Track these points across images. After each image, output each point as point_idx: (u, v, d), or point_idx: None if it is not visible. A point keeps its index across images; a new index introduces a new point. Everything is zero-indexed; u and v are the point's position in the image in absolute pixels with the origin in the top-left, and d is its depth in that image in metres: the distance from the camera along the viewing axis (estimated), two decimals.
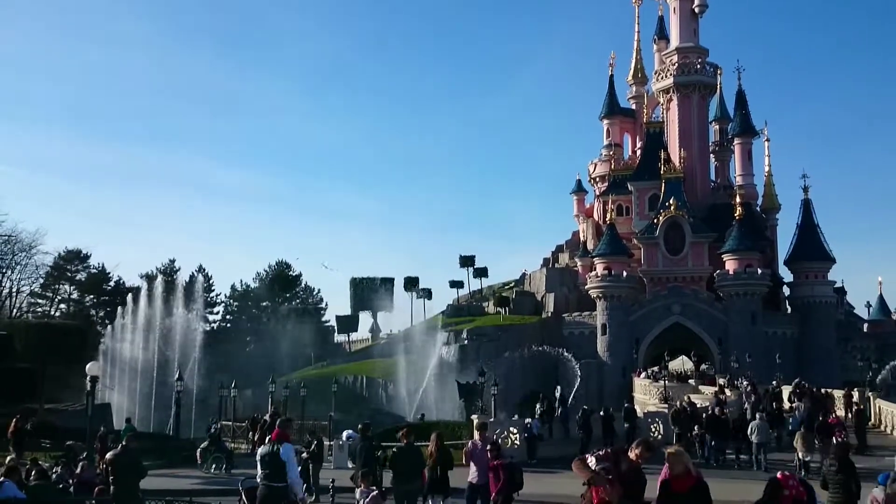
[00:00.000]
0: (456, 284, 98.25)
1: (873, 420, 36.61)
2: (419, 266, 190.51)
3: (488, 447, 13.98)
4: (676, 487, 8.22)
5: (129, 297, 69.82)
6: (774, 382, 46.09)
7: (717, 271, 70.07)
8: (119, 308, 68.25)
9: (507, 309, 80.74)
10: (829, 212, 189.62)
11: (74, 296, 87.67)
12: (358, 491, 13.72)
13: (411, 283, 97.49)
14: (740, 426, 28.00)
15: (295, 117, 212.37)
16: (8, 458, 16.57)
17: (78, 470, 18.02)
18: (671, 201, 72.04)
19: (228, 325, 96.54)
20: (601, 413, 32.32)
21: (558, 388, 45.91)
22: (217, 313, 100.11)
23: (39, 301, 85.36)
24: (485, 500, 14.09)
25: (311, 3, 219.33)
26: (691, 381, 54.20)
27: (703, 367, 59.88)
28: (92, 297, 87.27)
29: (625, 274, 71.20)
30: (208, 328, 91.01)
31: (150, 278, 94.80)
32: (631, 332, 69.84)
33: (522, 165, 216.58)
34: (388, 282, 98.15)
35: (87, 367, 24.31)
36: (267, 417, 31.98)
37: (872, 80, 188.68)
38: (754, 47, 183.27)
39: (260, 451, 12.24)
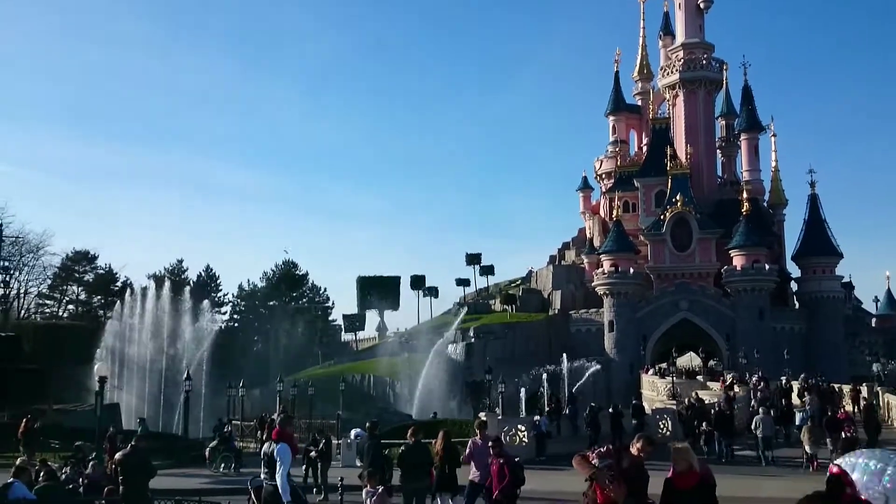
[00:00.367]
0: (462, 282, 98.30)
1: (884, 415, 36.50)
2: (425, 264, 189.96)
3: (490, 444, 13.90)
4: (680, 485, 8.03)
5: (128, 292, 69.93)
6: (784, 378, 46.02)
7: (725, 267, 69.95)
8: (119, 304, 68.23)
9: (513, 306, 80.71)
10: (836, 207, 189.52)
11: (82, 297, 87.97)
12: (364, 490, 13.73)
13: (418, 282, 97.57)
14: (748, 422, 28.00)
15: (298, 117, 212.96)
16: (19, 459, 16.61)
17: (87, 470, 18.10)
18: (678, 197, 71.93)
19: (236, 324, 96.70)
20: (610, 410, 32.27)
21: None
22: (224, 313, 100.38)
23: (47, 302, 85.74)
24: (486, 498, 14.01)
25: (312, 2, 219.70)
26: (699, 378, 54.08)
27: (712, 363, 59.72)
28: (99, 297, 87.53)
29: (632, 270, 71.11)
30: (216, 328, 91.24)
31: (157, 278, 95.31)
32: (638, 329, 69.77)
33: (528, 163, 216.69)
34: (395, 280, 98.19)
35: (96, 367, 24.45)
36: (275, 416, 32.05)
37: (879, 75, 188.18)
38: (760, 42, 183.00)
39: (263, 448, 12.23)
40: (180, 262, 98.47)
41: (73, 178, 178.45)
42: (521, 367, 61.30)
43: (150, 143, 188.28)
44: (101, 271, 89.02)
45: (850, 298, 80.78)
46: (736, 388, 42.36)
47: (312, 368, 79.27)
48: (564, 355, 65.18)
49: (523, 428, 29.89)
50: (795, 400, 37.52)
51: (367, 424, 18.91)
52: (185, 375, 39.70)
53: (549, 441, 29.48)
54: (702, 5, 79.83)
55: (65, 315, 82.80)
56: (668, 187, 73.77)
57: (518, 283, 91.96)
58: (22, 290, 74.26)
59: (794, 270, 77.49)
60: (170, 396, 56.07)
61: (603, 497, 8.10)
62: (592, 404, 35.01)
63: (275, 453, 11.60)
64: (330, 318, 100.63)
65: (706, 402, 32.95)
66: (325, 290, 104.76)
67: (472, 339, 74.35)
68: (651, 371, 58.64)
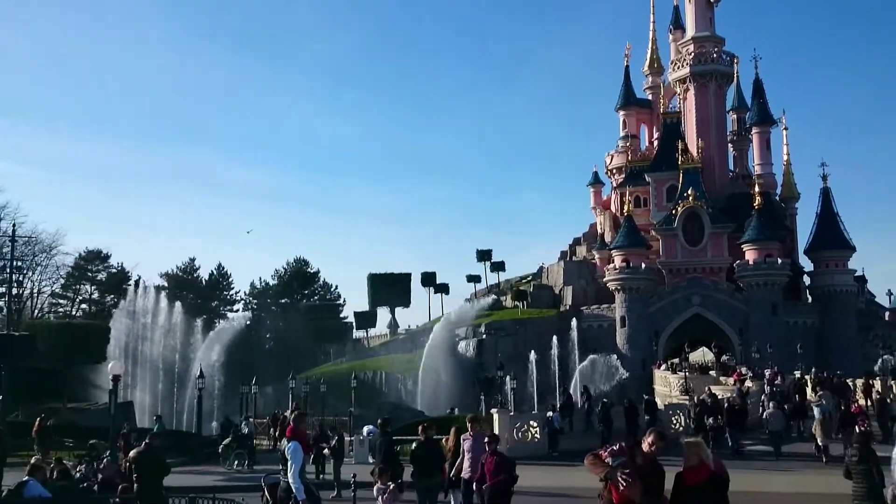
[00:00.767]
0: (473, 279, 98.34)
1: None
2: (436, 261, 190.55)
3: (485, 440, 13.77)
4: (690, 480, 7.95)
5: (132, 286, 70.13)
6: (797, 373, 45.85)
7: (737, 262, 69.70)
8: (123, 301, 68.54)
9: (524, 303, 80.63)
10: (848, 200, 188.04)
11: (95, 296, 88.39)
12: (375, 487, 13.75)
13: (428, 279, 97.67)
14: (760, 417, 27.96)
15: (310, 115, 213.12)
16: (33, 458, 16.71)
17: (101, 466, 18.22)
18: (689, 192, 71.67)
19: (248, 322, 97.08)
20: (624, 405, 32.22)
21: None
22: (237, 311, 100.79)
23: (60, 301, 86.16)
24: (476, 493, 13.80)
25: (324, 1, 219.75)
26: (712, 373, 53.93)
27: (724, 358, 59.60)
28: (113, 296, 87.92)
29: (643, 266, 70.91)
30: (228, 326, 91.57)
31: (170, 277, 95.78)
32: (650, 325, 69.61)
33: (538, 158, 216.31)
34: (406, 277, 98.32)
35: (110, 366, 24.54)
36: (287, 414, 32.20)
37: (891, 67, 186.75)
38: (771, 35, 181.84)
39: (280, 446, 12.32)
40: (192, 260, 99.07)
41: (85, 177, 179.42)
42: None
43: (161, 142, 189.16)
44: (114, 270, 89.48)
45: (863, 292, 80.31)
46: (749, 383, 42.28)
47: (324, 366, 79.52)
48: (576, 350, 65.35)
49: (535, 424, 29.90)
50: (811, 395, 37.34)
51: (379, 421, 18.95)
52: (197, 373, 39.88)
53: (561, 437, 29.48)
54: None
55: (78, 314, 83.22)
56: (679, 182, 73.51)
57: (529, 279, 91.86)
58: (35, 290, 74.60)
59: (806, 264, 77.11)
60: (183, 394, 56.33)
61: (619, 496, 7.93)
62: (604, 400, 35.03)
63: (286, 451, 11.68)
64: (341, 316, 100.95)
65: (719, 397, 32.84)
66: (337, 287, 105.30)
67: (484, 336, 74.37)
68: (663, 366, 58.52)
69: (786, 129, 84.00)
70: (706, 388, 38.22)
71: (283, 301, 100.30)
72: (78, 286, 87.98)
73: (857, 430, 18.00)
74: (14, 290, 64.39)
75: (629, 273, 70.51)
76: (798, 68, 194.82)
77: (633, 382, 63.18)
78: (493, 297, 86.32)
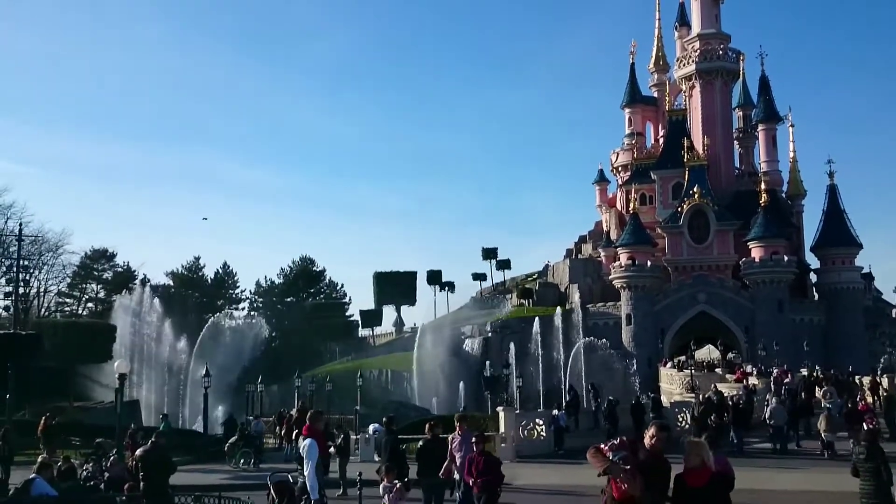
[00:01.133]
0: (479, 277, 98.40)
1: None
2: (442, 260, 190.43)
3: (473, 439, 13.66)
4: (691, 482, 7.72)
5: (138, 283, 70.09)
6: (804, 371, 45.73)
7: (743, 259, 69.51)
8: (120, 299, 68.69)
9: (530, 301, 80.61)
10: (855, 197, 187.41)
11: (101, 295, 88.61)
12: (381, 485, 13.75)
13: (434, 277, 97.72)
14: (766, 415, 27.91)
15: (313, 113, 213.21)
16: (40, 457, 16.77)
17: (108, 465, 18.26)
18: (695, 189, 71.52)
19: (253, 320, 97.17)
20: (632, 402, 32.18)
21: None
22: (242, 309, 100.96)
23: (67, 300, 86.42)
24: (466, 494, 13.69)
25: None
26: (718, 370, 53.86)
27: (730, 355, 59.52)
28: (119, 295, 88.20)
29: (649, 263, 70.79)
30: (233, 324, 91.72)
31: (175, 276, 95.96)
32: (656, 322, 69.48)
33: (544, 157, 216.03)
34: (411, 276, 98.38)
35: (116, 364, 24.58)
36: (293, 412, 32.25)
37: None
38: (777, 32, 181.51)
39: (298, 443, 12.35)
40: (197, 259, 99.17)
41: (91, 177, 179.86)
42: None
43: (163, 142, 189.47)
44: (120, 269, 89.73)
45: (869, 289, 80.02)
46: (754, 381, 42.20)
47: (330, 364, 79.56)
48: (581, 346, 65.23)
49: (541, 422, 29.89)
50: (819, 393, 37.22)
51: (384, 419, 18.95)
52: (203, 372, 39.92)
53: (567, 435, 29.47)
54: None
55: (84, 313, 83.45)
56: (685, 179, 73.33)
57: (534, 277, 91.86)
58: (42, 289, 74.83)
59: (813, 262, 76.87)
60: (188, 392, 56.38)
61: (619, 492, 7.73)
62: (611, 398, 35.01)
63: (302, 449, 11.73)
64: (347, 314, 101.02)
65: (725, 395, 32.78)
66: (343, 285, 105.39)
67: (489, 334, 74.44)
68: (669, 364, 58.45)
69: (792, 125, 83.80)
70: (712, 386, 38.21)
71: (288, 300, 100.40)
72: (84, 285, 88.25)
73: (866, 428, 17.97)
74: (21, 290, 64.50)
75: (635, 271, 70.40)
76: (804, 65, 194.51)
77: (640, 380, 63.17)
78: (500, 296, 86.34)
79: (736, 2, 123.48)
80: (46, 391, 43.66)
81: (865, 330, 71.38)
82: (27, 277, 68.15)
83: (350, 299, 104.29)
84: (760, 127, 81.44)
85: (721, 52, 78.90)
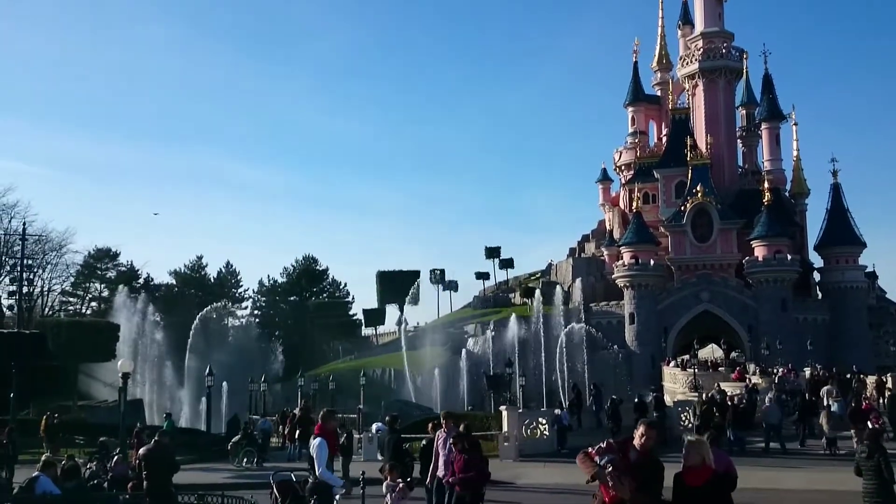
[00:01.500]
0: (482, 276, 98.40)
1: None
2: (445, 258, 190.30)
3: (451, 439, 13.55)
4: (690, 481, 7.60)
5: (143, 282, 69.97)
6: (807, 370, 45.65)
7: (746, 258, 69.42)
8: (126, 293, 68.76)
9: (533, 300, 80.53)
10: (859, 196, 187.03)
11: (105, 294, 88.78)
12: (384, 484, 13.75)
13: (437, 276, 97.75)
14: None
15: (316, 112, 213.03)
16: (44, 455, 16.82)
17: (111, 464, 18.29)
18: (698, 188, 71.44)
19: (257, 319, 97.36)
20: (635, 401, 32.18)
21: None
22: (245, 308, 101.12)
23: (71, 300, 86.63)
24: (449, 493, 13.59)
25: None
26: (721, 369, 53.83)
27: (734, 354, 59.49)
28: (118, 292, 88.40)
29: (652, 262, 70.76)
30: (237, 323, 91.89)
31: (178, 275, 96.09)
32: (659, 321, 69.43)
33: (547, 155, 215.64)
34: (415, 275, 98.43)
35: (119, 363, 24.63)
36: (297, 411, 32.31)
37: None
38: (780, 30, 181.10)
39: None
40: (200, 258, 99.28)
41: (94, 176, 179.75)
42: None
43: (164, 141, 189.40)
44: (123, 269, 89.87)
45: (873, 288, 79.88)
46: (756, 379, 42.16)
47: (333, 363, 79.65)
48: (585, 347, 65.31)
49: (544, 421, 29.88)
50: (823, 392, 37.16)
51: (388, 418, 18.97)
52: (206, 371, 40.00)
53: (570, 434, 29.48)
54: None
55: (88, 312, 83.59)
56: (688, 178, 73.22)
57: (538, 275, 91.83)
58: (46, 288, 75.06)
59: (816, 260, 76.75)
60: (192, 391, 56.50)
61: (609, 496, 7.56)
62: (614, 397, 35.03)
63: (312, 448, 11.78)
64: (350, 313, 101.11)
65: (729, 393, 32.76)
66: (346, 284, 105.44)
67: (492, 333, 74.38)
68: (672, 363, 58.41)
69: (795, 124, 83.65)
70: (716, 385, 38.19)
71: (291, 299, 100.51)
72: (88, 284, 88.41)
73: (870, 427, 17.94)
74: (24, 289, 64.63)
75: (638, 270, 70.38)
76: (808, 63, 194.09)
77: (643, 379, 63.08)
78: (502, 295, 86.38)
79: (739, 0, 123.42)
80: (50, 390, 43.80)
81: (869, 329, 71.33)
82: (31, 277, 68.33)
83: (353, 298, 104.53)
84: (764, 125, 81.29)
85: (724, 51, 78.81)
